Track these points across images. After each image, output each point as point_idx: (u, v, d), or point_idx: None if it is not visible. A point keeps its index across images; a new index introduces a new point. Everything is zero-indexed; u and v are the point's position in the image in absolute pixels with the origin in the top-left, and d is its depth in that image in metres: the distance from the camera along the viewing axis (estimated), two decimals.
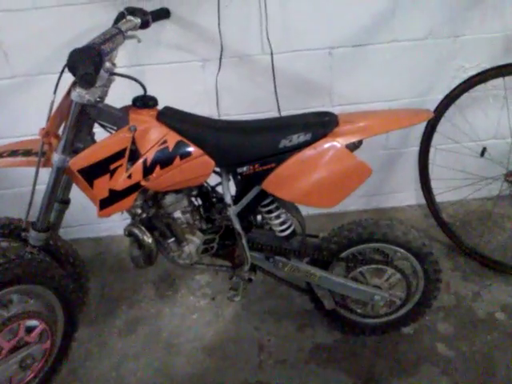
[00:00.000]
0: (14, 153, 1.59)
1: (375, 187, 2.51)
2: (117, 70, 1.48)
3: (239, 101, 2.19)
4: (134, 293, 2.20)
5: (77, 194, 1.64)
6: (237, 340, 1.93)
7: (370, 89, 2.22)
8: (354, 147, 1.50)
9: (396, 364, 1.79)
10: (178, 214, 1.64)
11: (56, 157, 1.50)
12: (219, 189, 1.68)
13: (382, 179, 2.50)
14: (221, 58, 2.05)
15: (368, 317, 1.84)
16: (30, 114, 2.09)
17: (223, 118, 2.18)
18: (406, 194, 2.58)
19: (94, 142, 1.57)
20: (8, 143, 1.67)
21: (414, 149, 2.34)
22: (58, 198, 1.66)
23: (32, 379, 1.50)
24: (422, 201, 2.37)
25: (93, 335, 1.99)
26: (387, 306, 1.78)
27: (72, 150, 1.51)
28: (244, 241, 1.66)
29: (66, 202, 1.71)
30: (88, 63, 1.25)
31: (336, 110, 2.14)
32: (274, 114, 2.15)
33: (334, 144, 1.46)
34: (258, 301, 2.09)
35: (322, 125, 1.48)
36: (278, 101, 2.14)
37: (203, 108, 2.13)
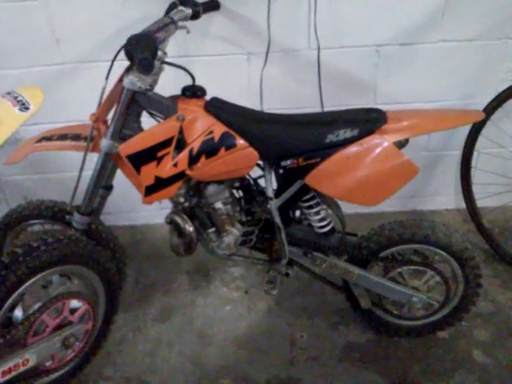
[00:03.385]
0: (63, 137, 1.64)
1: (414, 189, 2.47)
2: (167, 60, 1.50)
3: (282, 95, 2.18)
4: (168, 281, 2.22)
5: (116, 181, 1.69)
6: (269, 334, 1.93)
7: (415, 88, 2.19)
8: (400, 145, 1.49)
9: (430, 368, 1.76)
10: (219, 205, 1.65)
11: (104, 142, 1.53)
12: (261, 182, 1.68)
13: (422, 181, 2.46)
14: (268, 52, 2.05)
15: (404, 318, 1.82)
16: (77, 100, 2.13)
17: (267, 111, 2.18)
18: (445, 198, 2.54)
19: (141, 129, 1.59)
20: (57, 127, 1.71)
21: (456, 152, 2.30)
22: (102, 184, 1.69)
23: (72, 358, 1.54)
24: (462, 205, 2.34)
25: (128, 320, 2.02)
26: (424, 309, 1.75)
27: (120, 136, 1.54)
28: (283, 235, 1.66)
29: (109, 188, 1.73)
30: (146, 49, 1.27)
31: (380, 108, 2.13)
32: (316, 110, 2.14)
33: (381, 141, 1.44)
34: (292, 297, 2.09)
35: (369, 121, 1.47)
36: (321, 97, 2.12)
37: (246, 101, 2.08)
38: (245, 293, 2.14)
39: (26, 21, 2.01)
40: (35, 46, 2.06)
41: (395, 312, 1.80)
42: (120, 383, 1.77)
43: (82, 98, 1.89)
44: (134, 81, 1.44)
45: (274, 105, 2.17)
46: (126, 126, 1.55)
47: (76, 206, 1.66)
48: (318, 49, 2.04)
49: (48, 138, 1.65)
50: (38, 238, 1.39)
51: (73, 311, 1.47)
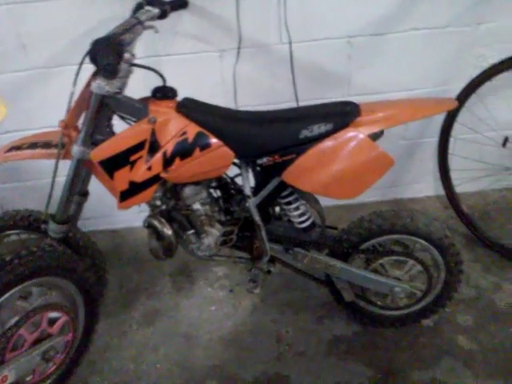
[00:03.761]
0: (33, 145, 1.60)
1: (393, 178, 2.48)
2: (135, 61, 1.48)
3: (257, 91, 2.16)
4: (151, 285, 2.20)
5: (93, 185, 1.65)
6: (255, 332, 1.93)
7: (390, 78, 2.19)
8: (375, 137, 1.48)
9: (416, 356, 1.77)
10: (197, 206, 1.63)
11: (76, 149, 1.50)
12: (238, 180, 1.66)
13: (400, 170, 2.47)
14: (239, 48, 2.03)
15: (388, 309, 1.82)
16: (47, 106, 2.08)
17: (241, 109, 2.15)
18: (424, 185, 2.55)
19: (112, 133, 1.56)
20: (27, 135, 1.67)
21: (433, 139, 2.30)
22: (76, 191, 1.66)
23: (54, 371, 1.51)
24: (441, 192, 2.35)
25: (111, 327, 1.99)
26: (407, 298, 1.76)
27: (91, 141, 1.51)
28: (263, 232, 1.65)
29: (84, 195, 1.71)
30: (110, 53, 1.24)
31: (355, 100, 2.13)
32: (291, 104, 2.13)
33: (355, 134, 1.44)
34: (276, 293, 2.08)
35: (343, 114, 1.46)
36: (296, 91, 2.11)
37: (220, 99, 2.08)
38: (229, 291, 2.13)
39: None
40: (1, 53, 2.01)
41: (379, 303, 1.81)
42: None
43: (54, 103, 1.83)
44: (102, 85, 1.41)
45: (248, 101, 2.16)
46: (97, 130, 1.52)
47: (51, 215, 1.63)
48: (290, 43, 2.02)
49: (18, 147, 1.61)
50: (10, 251, 1.35)
51: (51, 322, 1.44)
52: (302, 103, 2.12)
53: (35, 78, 2.08)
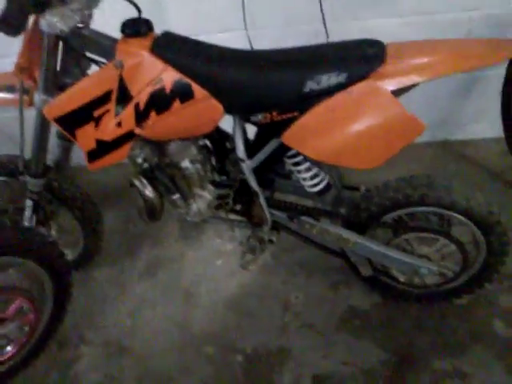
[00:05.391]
0: None
1: (444, 116, 2.05)
2: None
3: (274, 8, 1.75)
4: (157, 230, 2.02)
5: None
6: (261, 295, 1.74)
7: None
8: (403, 91, 1.12)
9: (441, 341, 1.53)
10: (185, 164, 1.37)
11: (37, 98, 1.26)
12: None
13: (454, 107, 2.03)
14: None
15: (413, 286, 1.56)
16: None
17: (253, 32, 1.75)
18: (481, 125, 2.11)
19: (84, 74, 1.30)
20: None
21: (500, 71, 1.84)
22: (59, 135, 1.44)
23: (16, 353, 1.36)
24: (501, 134, 1.92)
25: (112, 276, 1.88)
26: (437, 277, 1.48)
27: (59, 86, 1.26)
28: (262, 200, 1.38)
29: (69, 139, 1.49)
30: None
31: (401, 22, 1.68)
32: (317, 26, 1.71)
33: (375, 88, 1.09)
34: (290, 250, 1.85)
35: (362, 61, 1.10)
36: (322, 8, 1.67)
37: (229, 19, 1.72)
38: (239, 244, 1.91)
39: None
40: None
41: (402, 280, 1.54)
42: (100, 348, 1.67)
43: None
44: (53, 22, 1.12)
45: (262, 21, 1.76)
46: (65, 73, 1.27)
47: (26, 168, 1.45)
48: None
49: None
50: None
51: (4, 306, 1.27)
52: (331, 25, 1.70)
53: None
